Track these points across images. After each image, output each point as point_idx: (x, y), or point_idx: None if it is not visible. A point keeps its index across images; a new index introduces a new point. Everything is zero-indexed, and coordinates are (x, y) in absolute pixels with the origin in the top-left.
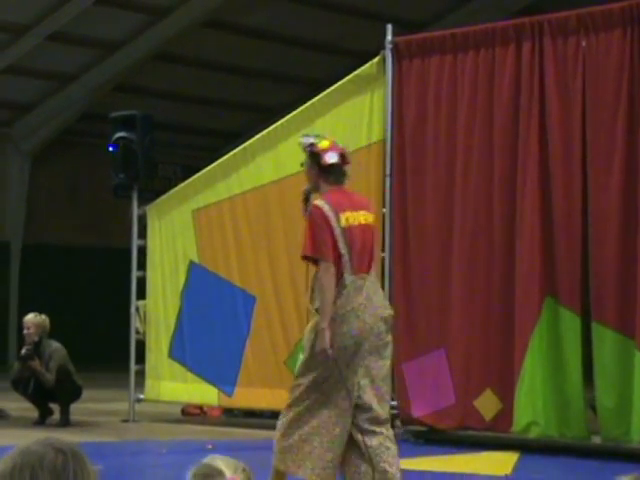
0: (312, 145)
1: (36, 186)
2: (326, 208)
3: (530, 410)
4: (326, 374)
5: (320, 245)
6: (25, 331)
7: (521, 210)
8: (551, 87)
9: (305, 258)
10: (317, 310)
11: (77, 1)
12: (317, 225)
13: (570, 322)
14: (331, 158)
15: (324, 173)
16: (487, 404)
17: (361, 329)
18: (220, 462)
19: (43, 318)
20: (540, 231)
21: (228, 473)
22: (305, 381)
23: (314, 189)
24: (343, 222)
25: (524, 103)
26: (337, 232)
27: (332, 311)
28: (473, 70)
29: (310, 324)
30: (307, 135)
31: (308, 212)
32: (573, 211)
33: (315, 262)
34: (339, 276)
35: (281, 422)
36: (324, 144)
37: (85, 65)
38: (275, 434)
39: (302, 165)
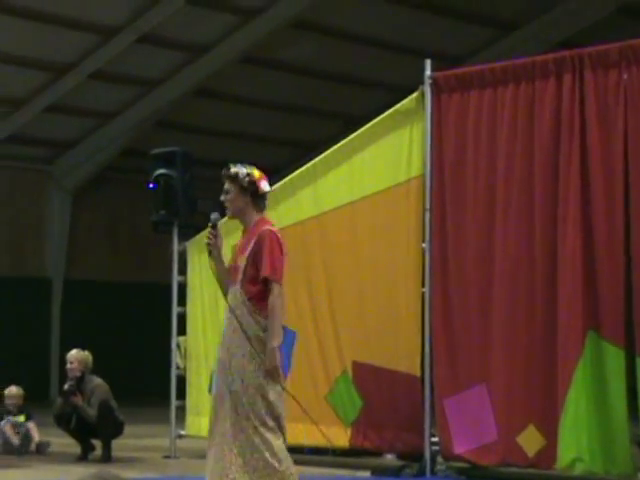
0: (250, 175)
1: (77, 223)
2: (280, 235)
3: (574, 446)
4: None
5: (280, 269)
6: (68, 366)
7: (562, 244)
8: (592, 120)
9: (263, 279)
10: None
11: (118, 40)
12: (278, 249)
13: (613, 356)
14: (266, 186)
15: (257, 201)
16: (530, 440)
17: None
18: None
19: (86, 354)
20: (582, 265)
21: None
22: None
23: (236, 215)
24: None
25: (564, 136)
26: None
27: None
28: (513, 104)
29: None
30: (237, 165)
31: (268, 234)
32: (615, 244)
33: (266, 283)
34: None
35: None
36: (257, 173)
37: (125, 102)
38: (275, 463)
39: (226, 193)
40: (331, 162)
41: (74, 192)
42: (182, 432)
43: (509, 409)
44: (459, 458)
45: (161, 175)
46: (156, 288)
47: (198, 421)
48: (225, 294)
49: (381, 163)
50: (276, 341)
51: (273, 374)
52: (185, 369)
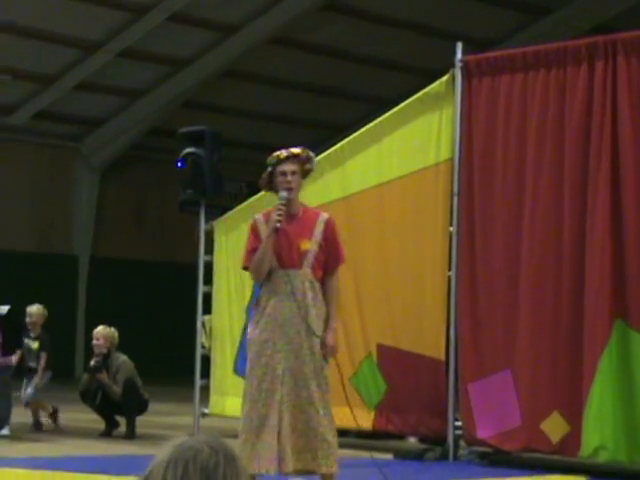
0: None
1: (104, 201)
2: None
3: (599, 434)
4: None
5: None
6: (94, 342)
7: (591, 231)
8: (624, 107)
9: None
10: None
11: (148, 18)
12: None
13: None
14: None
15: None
16: (554, 427)
17: None
18: None
19: (113, 331)
20: (610, 252)
21: None
22: None
23: (295, 198)
24: None
25: (596, 123)
26: None
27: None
28: (544, 89)
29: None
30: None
31: (334, 222)
32: None
33: (327, 268)
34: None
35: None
36: None
37: (154, 81)
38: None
39: (293, 174)
40: (359, 144)
41: (102, 170)
42: (206, 411)
43: (534, 395)
44: (482, 443)
45: (189, 154)
46: (182, 267)
47: (222, 400)
48: (263, 277)
49: (410, 146)
50: (335, 322)
51: (331, 352)
52: (210, 348)
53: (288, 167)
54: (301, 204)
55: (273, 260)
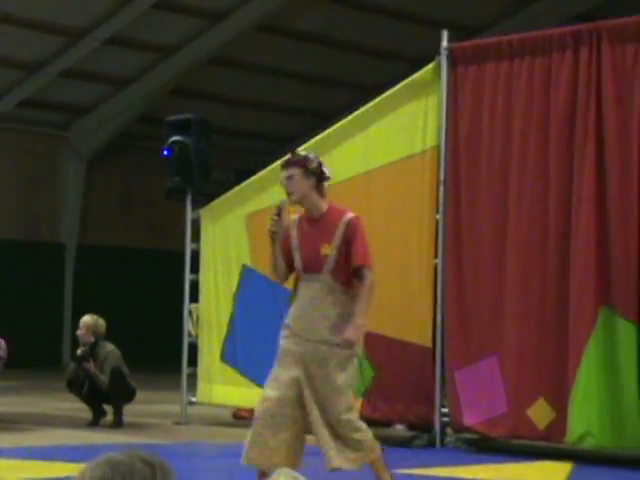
0: (317, 158)
1: (91, 189)
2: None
3: (584, 420)
4: None
5: (370, 254)
6: (80, 332)
7: (576, 218)
8: (609, 95)
9: (359, 267)
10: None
11: (134, 5)
12: (366, 235)
13: (626, 331)
14: (329, 171)
15: (320, 186)
16: (540, 413)
17: None
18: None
19: (98, 320)
20: (595, 240)
21: None
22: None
23: (301, 201)
24: None
25: (581, 110)
26: None
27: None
28: (529, 77)
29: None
30: (300, 151)
31: (356, 222)
32: (629, 220)
33: (353, 270)
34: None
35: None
36: (320, 159)
37: (141, 69)
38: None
39: (289, 178)
40: (346, 132)
41: (89, 158)
42: (193, 399)
43: (520, 382)
44: (469, 430)
45: (175, 142)
46: (169, 255)
47: (209, 388)
48: (280, 278)
49: (396, 134)
50: (361, 320)
51: (347, 344)
52: (197, 336)
53: (283, 174)
54: (325, 205)
55: (298, 264)
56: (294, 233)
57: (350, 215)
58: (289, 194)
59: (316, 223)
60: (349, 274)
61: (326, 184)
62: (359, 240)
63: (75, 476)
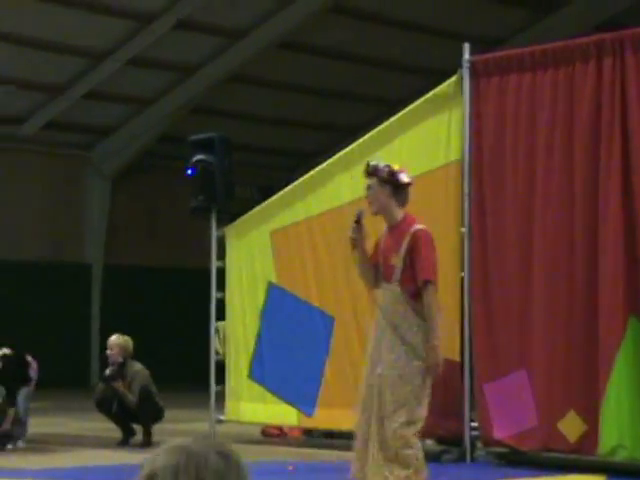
0: (388, 166)
1: (116, 208)
2: (430, 232)
3: (616, 432)
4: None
5: (435, 269)
6: (108, 352)
7: (603, 228)
8: (633, 103)
9: (421, 282)
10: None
11: (155, 26)
12: (432, 249)
13: None
14: (405, 178)
15: (398, 194)
16: (571, 426)
17: None
18: None
19: (126, 339)
20: (623, 249)
21: None
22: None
23: (380, 211)
24: None
25: (605, 120)
26: None
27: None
28: (552, 87)
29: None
30: (375, 160)
31: (420, 235)
32: None
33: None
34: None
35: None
36: (396, 166)
37: (163, 89)
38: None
39: (369, 189)
40: (369, 147)
41: (113, 178)
42: (221, 417)
43: (549, 394)
44: (499, 443)
45: (199, 161)
46: (195, 274)
47: (237, 406)
48: (370, 287)
49: (419, 147)
50: (437, 340)
51: (434, 370)
52: (224, 354)
53: (366, 182)
54: (404, 218)
55: (378, 273)
56: (381, 241)
57: (416, 227)
58: (369, 204)
59: (392, 232)
60: (417, 287)
61: (406, 190)
62: (423, 254)
63: (146, 458)
